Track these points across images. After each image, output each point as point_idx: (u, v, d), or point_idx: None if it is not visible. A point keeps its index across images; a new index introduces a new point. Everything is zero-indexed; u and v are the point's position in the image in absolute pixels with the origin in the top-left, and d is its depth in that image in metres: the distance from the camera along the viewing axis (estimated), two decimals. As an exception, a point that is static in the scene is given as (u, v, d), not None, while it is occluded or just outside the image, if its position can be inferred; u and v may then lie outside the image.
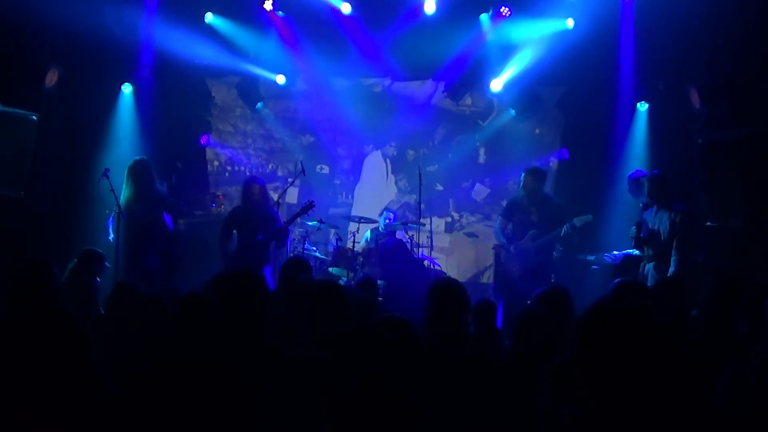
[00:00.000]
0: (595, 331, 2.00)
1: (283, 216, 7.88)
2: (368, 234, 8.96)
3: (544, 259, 7.31)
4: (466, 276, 9.66)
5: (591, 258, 7.82)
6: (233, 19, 9.28)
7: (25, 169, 7.83)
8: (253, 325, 3.35)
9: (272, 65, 9.57)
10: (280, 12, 9.19)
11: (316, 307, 3.47)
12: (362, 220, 8.83)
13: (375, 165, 10.27)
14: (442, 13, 8.96)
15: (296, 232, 8.84)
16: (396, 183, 10.24)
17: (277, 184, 9.87)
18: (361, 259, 8.43)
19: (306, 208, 7.42)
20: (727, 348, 3.37)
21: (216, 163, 10.24)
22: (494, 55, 9.21)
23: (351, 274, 8.20)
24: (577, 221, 7.29)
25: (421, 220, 8.47)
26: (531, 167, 7.68)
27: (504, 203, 8.42)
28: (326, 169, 10.22)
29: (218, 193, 9.90)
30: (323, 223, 8.55)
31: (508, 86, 9.30)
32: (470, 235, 10.12)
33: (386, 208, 9.33)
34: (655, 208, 6.70)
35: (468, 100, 10.03)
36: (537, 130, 9.85)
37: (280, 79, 9.65)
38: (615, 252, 7.55)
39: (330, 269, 8.38)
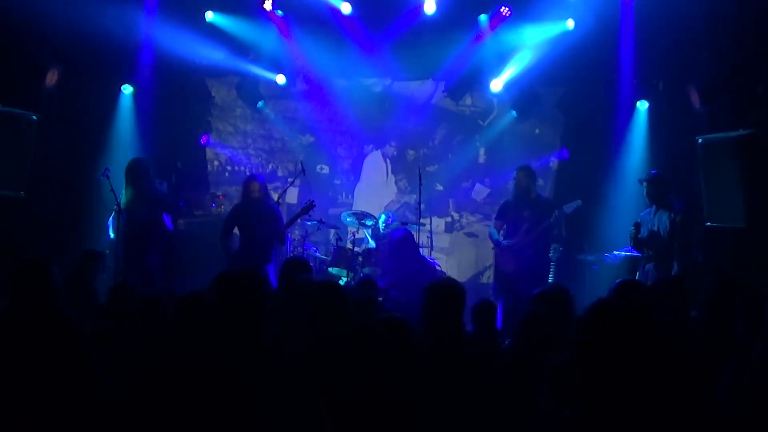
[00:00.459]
0: (595, 331, 2.01)
1: (283, 216, 7.88)
2: (368, 233, 8.95)
3: (536, 251, 7.29)
4: (466, 276, 9.66)
5: (591, 258, 7.82)
6: (233, 20, 9.27)
7: (25, 169, 7.82)
8: (253, 325, 3.35)
9: (272, 65, 9.56)
10: (280, 11, 9.19)
11: (316, 307, 3.48)
12: (360, 219, 8.82)
13: (375, 165, 10.27)
14: (442, 14, 8.96)
15: (296, 232, 8.84)
16: (396, 183, 10.24)
17: (277, 184, 9.86)
18: (361, 259, 8.43)
19: (307, 208, 7.43)
20: (727, 348, 3.37)
21: (216, 163, 10.23)
22: (494, 55, 9.20)
23: (351, 274, 8.20)
24: (567, 207, 7.31)
25: (421, 220, 8.47)
26: (523, 165, 7.69)
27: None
28: (326, 169, 10.21)
29: (218, 193, 9.90)
30: (323, 223, 8.55)
31: (508, 86, 9.29)
32: (470, 235, 10.11)
33: (384, 211, 9.31)
34: (654, 207, 6.70)
35: (468, 100, 10.03)
36: (537, 130, 9.85)
37: (280, 79, 9.64)
38: (615, 252, 7.55)
39: (330, 269, 8.38)
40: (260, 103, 9.87)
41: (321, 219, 8.59)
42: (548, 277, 7.25)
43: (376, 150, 10.23)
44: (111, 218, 7.38)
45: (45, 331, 2.34)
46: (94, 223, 8.03)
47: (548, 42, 8.84)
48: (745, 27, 7.28)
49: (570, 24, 8.76)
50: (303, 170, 8.46)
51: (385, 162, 10.26)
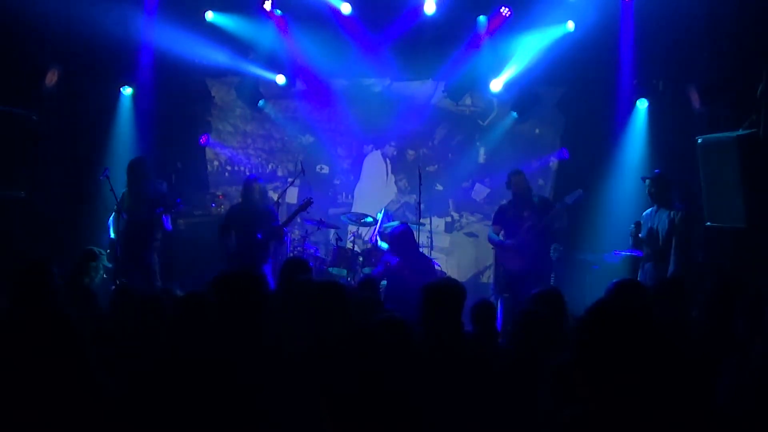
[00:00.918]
0: (595, 331, 2.00)
1: (282, 216, 7.89)
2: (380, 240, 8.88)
3: (540, 249, 7.29)
4: (466, 276, 9.66)
5: (591, 258, 7.82)
6: (233, 20, 9.27)
7: (25, 169, 7.83)
8: (253, 325, 3.35)
9: (272, 65, 9.56)
10: (278, 11, 9.18)
11: (316, 307, 3.48)
12: (359, 219, 8.82)
13: (375, 165, 10.27)
14: (442, 14, 8.96)
15: (296, 232, 8.84)
16: (396, 183, 10.24)
17: (277, 184, 9.87)
18: (362, 259, 8.43)
19: (304, 206, 7.42)
20: (727, 348, 3.37)
21: (216, 163, 10.23)
22: (494, 55, 9.20)
23: (351, 274, 8.20)
24: (568, 198, 7.32)
25: (421, 220, 8.47)
26: (517, 169, 7.67)
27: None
28: (326, 169, 10.21)
29: (218, 193, 9.90)
30: (323, 223, 8.55)
31: (508, 86, 9.29)
32: (470, 235, 10.12)
33: (382, 209, 9.31)
34: (654, 207, 6.71)
35: (468, 100, 10.03)
36: (537, 130, 9.85)
37: (280, 79, 9.64)
38: (615, 252, 7.56)
39: (330, 269, 8.37)
40: (261, 102, 9.86)
41: (321, 219, 8.59)
42: (550, 270, 7.24)
43: (376, 150, 10.23)
44: (111, 218, 7.38)
45: (45, 331, 2.34)
46: (94, 223, 8.03)
47: (548, 43, 8.84)
48: (745, 27, 7.28)
49: (570, 26, 8.76)
50: (303, 170, 8.46)
51: (385, 162, 10.26)
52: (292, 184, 9.01)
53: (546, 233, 7.32)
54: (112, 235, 7.42)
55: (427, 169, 9.74)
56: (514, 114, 9.57)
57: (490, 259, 9.11)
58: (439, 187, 10.07)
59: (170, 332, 3.39)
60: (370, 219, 8.84)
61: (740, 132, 6.99)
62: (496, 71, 9.26)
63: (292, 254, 8.16)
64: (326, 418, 2.03)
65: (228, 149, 10.17)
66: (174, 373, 2.90)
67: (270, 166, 10.22)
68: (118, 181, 7.14)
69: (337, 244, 8.75)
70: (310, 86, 9.85)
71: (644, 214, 6.83)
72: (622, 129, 8.82)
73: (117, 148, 8.89)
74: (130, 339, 3.77)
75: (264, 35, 9.35)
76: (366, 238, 9.23)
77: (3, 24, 7.61)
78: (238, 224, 7.43)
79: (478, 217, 10.11)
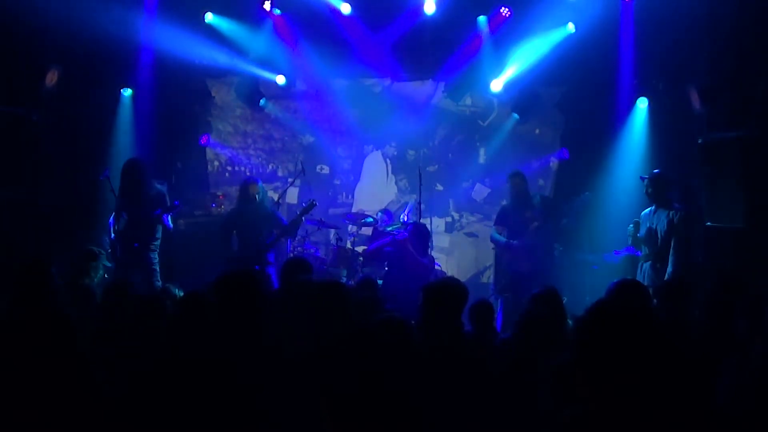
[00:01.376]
0: (595, 331, 2.00)
1: (283, 215, 7.88)
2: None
3: (546, 250, 7.30)
4: (466, 276, 9.66)
5: (591, 258, 7.82)
6: (233, 20, 9.27)
7: (25, 169, 7.82)
8: (253, 325, 3.34)
9: (272, 65, 9.57)
10: (278, 10, 9.18)
11: (316, 307, 3.47)
12: (360, 220, 8.82)
13: (375, 165, 10.27)
14: (442, 14, 8.96)
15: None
16: (396, 183, 10.24)
17: (278, 184, 9.87)
18: (362, 259, 8.43)
19: (308, 208, 7.42)
20: (727, 348, 3.37)
21: (216, 163, 10.23)
22: (494, 55, 9.21)
23: (351, 274, 8.20)
24: (576, 200, 7.32)
25: (421, 220, 8.46)
26: (516, 171, 7.64)
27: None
28: (326, 169, 10.21)
29: (218, 193, 9.89)
30: (323, 223, 8.55)
31: (508, 86, 9.29)
32: (470, 235, 10.12)
33: (383, 210, 9.32)
34: (654, 207, 6.70)
35: (468, 100, 10.03)
36: (537, 130, 9.85)
37: (280, 80, 9.64)
38: (615, 252, 7.55)
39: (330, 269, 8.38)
40: (263, 101, 9.85)
41: (321, 219, 8.59)
42: (563, 276, 7.23)
43: (376, 150, 10.23)
44: (111, 218, 7.37)
45: (45, 331, 2.34)
46: (94, 223, 8.02)
47: (549, 45, 8.84)
48: (745, 27, 7.28)
49: (571, 27, 8.76)
50: (303, 170, 8.46)
51: (385, 162, 10.26)
52: (292, 184, 9.01)
53: (552, 234, 7.32)
54: (113, 236, 7.41)
55: (427, 169, 9.74)
56: (516, 115, 9.56)
57: (490, 260, 9.10)
58: (440, 187, 10.07)
59: (170, 332, 3.39)
60: (370, 219, 8.84)
61: (740, 132, 7.00)
62: (496, 71, 9.26)
63: (292, 254, 8.16)
64: (326, 418, 2.03)
65: (228, 149, 10.17)
66: (174, 373, 2.90)
67: (270, 167, 10.22)
68: (119, 182, 7.13)
69: (337, 244, 8.75)
70: (310, 86, 9.85)
71: (643, 213, 6.82)
72: (622, 129, 8.82)
73: (117, 148, 8.88)
74: (130, 339, 3.77)
75: (264, 35, 9.35)
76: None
77: (3, 24, 7.61)
78: (239, 229, 7.42)
79: (478, 217, 10.11)
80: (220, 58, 9.31)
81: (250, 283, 3.49)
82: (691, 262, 6.69)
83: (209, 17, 9.18)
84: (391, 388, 2.07)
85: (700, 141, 7.33)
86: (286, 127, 10.12)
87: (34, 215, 8.05)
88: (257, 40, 9.37)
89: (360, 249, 8.78)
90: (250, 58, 9.47)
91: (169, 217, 7.12)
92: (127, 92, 9.22)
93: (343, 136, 10.16)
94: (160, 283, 6.90)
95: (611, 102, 8.78)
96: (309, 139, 10.15)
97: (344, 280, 8.01)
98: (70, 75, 8.60)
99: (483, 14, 9.09)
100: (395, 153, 10.19)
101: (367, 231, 9.05)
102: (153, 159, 7.85)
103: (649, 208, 6.77)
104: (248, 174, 9.82)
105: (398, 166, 10.21)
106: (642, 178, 6.88)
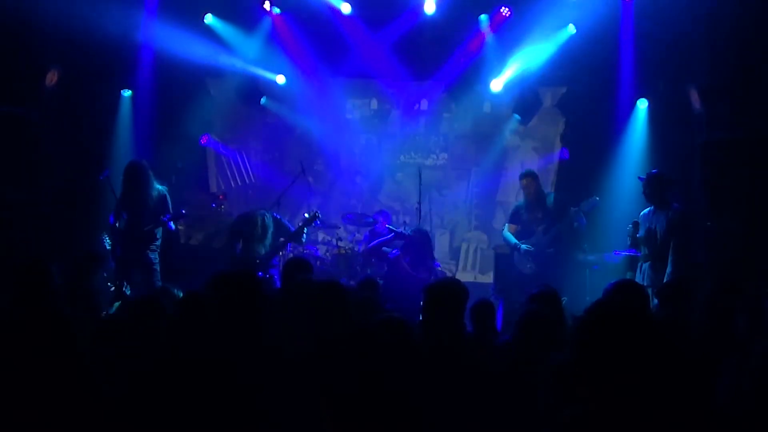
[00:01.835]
0: (595, 331, 2.00)
1: (284, 219, 7.88)
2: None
3: (557, 249, 7.30)
4: (466, 276, 9.67)
5: (591, 258, 7.81)
6: (233, 20, 9.27)
7: (25, 169, 7.82)
8: (253, 325, 3.34)
9: (272, 65, 9.57)
10: (277, 9, 9.17)
11: (316, 307, 3.47)
12: (359, 219, 8.83)
13: (375, 165, 10.26)
14: (442, 13, 8.96)
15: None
16: (396, 183, 10.24)
17: (278, 184, 9.87)
18: (361, 259, 8.44)
19: (310, 220, 7.44)
20: (727, 348, 3.37)
21: (216, 163, 10.23)
22: (494, 55, 9.21)
23: (351, 274, 8.20)
24: (585, 205, 7.30)
25: (421, 221, 8.47)
26: (527, 171, 7.64)
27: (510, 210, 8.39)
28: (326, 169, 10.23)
29: (218, 194, 9.90)
30: (323, 223, 8.55)
31: (508, 86, 9.29)
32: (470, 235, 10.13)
33: (381, 209, 9.32)
34: (653, 207, 6.70)
35: (469, 101, 10.03)
36: (537, 130, 9.85)
37: (280, 79, 9.64)
38: (615, 252, 7.55)
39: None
40: (263, 100, 9.83)
41: (321, 219, 8.59)
42: (571, 277, 7.20)
43: (377, 150, 10.23)
44: (111, 217, 7.36)
45: (44, 332, 2.34)
46: (94, 223, 8.02)
47: (550, 48, 8.85)
48: (745, 27, 7.28)
49: (572, 29, 8.76)
50: (303, 170, 8.46)
51: (386, 162, 10.26)
52: (292, 184, 9.00)
53: (560, 237, 7.30)
54: (112, 235, 7.40)
55: (427, 169, 9.74)
56: (517, 116, 9.55)
57: (490, 260, 9.12)
58: (440, 189, 10.07)
59: (170, 332, 3.39)
60: (370, 219, 8.84)
61: (740, 133, 7.00)
62: (496, 71, 9.25)
63: (292, 254, 8.16)
64: (326, 418, 2.03)
65: (228, 149, 10.16)
66: (174, 373, 2.90)
67: (270, 166, 10.21)
68: (119, 182, 7.12)
69: (337, 244, 8.75)
70: (311, 86, 9.85)
71: (642, 214, 6.81)
72: (622, 129, 8.82)
73: (117, 148, 8.89)
74: (130, 339, 3.77)
75: (264, 35, 9.35)
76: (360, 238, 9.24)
77: (3, 24, 7.61)
78: (244, 235, 7.41)
79: (477, 217, 10.12)
80: (219, 57, 9.31)
81: (249, 283, 3.49)
82: (691, 262, 6.68)
83: (209, 19, 9.18)
84: (391, 388, 2.07)
85: (700, 141, 7.33)
86: (286, 127, 10.12)
87: (34, 215, 8.05)
88: (257, 40, 9.37)
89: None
90: (250, 58, 9.47)
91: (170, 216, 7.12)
92: (127, 93, 9.22)
93: (342, 135, 10.16)
94: (160, 283, 6.89)
95: (611, 102, 8.78)
96: (309, 138, 10.13)
97: (344, 280, 8.01)
98: (70, 75, 8.60)
99: (483, 14, 9.08)
100: (395, 153, 10.19)
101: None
102: (153, 159, 7.84)
103: (648, 209, 6.76)
104: (248, 174, 9.82)
105: (398, 166, 10.20)
106: (640, 179, 6.88)
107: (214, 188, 10.11)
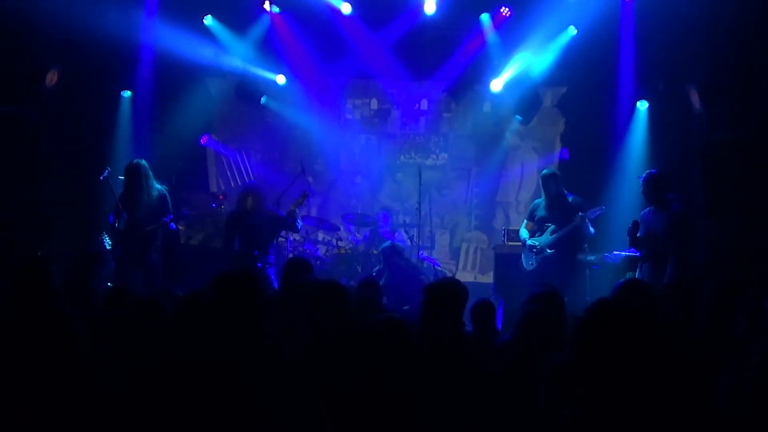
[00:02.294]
0: (595, 331, 2.01)
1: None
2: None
3: (558, 251, 7.29)
4: (466, 276, 9.68)
5: (591, 258, 7.81)
6: (233, 20, 9.27)
7: (25, 169, 7.82)
8: (253, 325, 3.34)
9: (272, 65, 9.57)
10: (276, 8, 9.17)
11: (316, 307, 3.47)
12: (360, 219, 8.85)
13: (375, 165, 10.27)
14: (442, 13, 8.96)
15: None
16: (396, 183, 10.24)
17: (278, 184, 9.87)
18: (361, 259, 8.45)
19: (301, 199, 7.34)
20: (727, 348, 3.37)
21: (216, 163, 10.23)
22: (494, 55, 9.21)
23: (350, 274, 8.22)
24: (590, 213, 7.30)
25: (421, 221, 8.48)
26: (550, 172, 7.54)
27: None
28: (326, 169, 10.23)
29: (218, 194, 9.90)
30: (323, 222, 8.55)
31: (508, 86, 9.29)
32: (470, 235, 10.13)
33: (381, 208, 9.33)
34: (653, 207, 6.69)
35: (469, 101, 10.03)
36: (537, 130, 9.86)
37: (280, 79, 9.64)
38: (615, 252, 7.55)
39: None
40: (263, 99, 9.83)
41: (321, 219, 8.60)
42: (561, 273, 7.17)
43: (377, 149, 10.23)
44: (111, 217, 7.35)
45: (45, 331, 2.34)
46: (95, 223, 8.02)
47: (549, 46, 8.85)
48: (745, 27, 7.28)
49: (572, 30, 8.76)
50: (303, 170, 8.46)
51: (386, 162, 10.26)
52: (292, 184, 9.00)
53: (563, 241, 7.29)
54: (112, 235, 7.40)
55: (427, 169, 9.74)
56: (518, 117, 9.55)
57: (490, 260, 9.11)
58: (440, 189, 10.07)
59: (170, 332, 3.39)
60: (370, 219, 8.85)
61: (740, 133, 7.00)
62: (496, 71, 9.26)
63: (292, 254, 8.16)
64: (326, 418, 2.03)
65: (228, 149, 10.16)
66: (174, 373, 2.90)
67: (270, 166, 10.22)
68: (119, 182, 7.13)
69: (337, 244, 8.75)
70: (311, 86, 9.85)
71: (642, 214, 6.81)
72: (622, 129, 8.81)
73: (117, 148, 8.89)
74: (130, 339, 3.77)
75: (264, 35, 9.35)
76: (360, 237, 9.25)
77: (3, 24, 7.61)
78: (241, 230, 7.40)
79: (477, 217, 10.12)
80: (219, 57, 9.31)
81: (250, 283, 3.49)
82: (691, 262, 6.68)
83: (208, 20, 9.18)
84: (391, 388, 2.07)
85: (700, 141, 7.33)
86: (285, 127, 10.12)
87: (34, 215, 8.04)
88: (257, 40, 9.37)
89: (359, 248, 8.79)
90: (250, 58, 9.47)
91: (171, 216, 7.12)
92: (127, 94, 9.23)
93: (343, 135, 10.16)
94: (160, 283, 6.89)
95: (611, 102, 8.78)
96: (309, 138, 10.14)
97: (344, 280, 8.02)
98: (70, 75, 8.60)
99: (483, 14, 9.08)
100: (396, 153, 10.19)
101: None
102: (153, 159, 7.84)
103: (648, 209, 6.76)
104: (248, 174, 9.82)
105: (398, 166, 10.20)
106: (640, 179, 6.89)
107: (214, 188, 10.11)
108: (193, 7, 9.09)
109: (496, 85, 9.29)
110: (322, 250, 9.15)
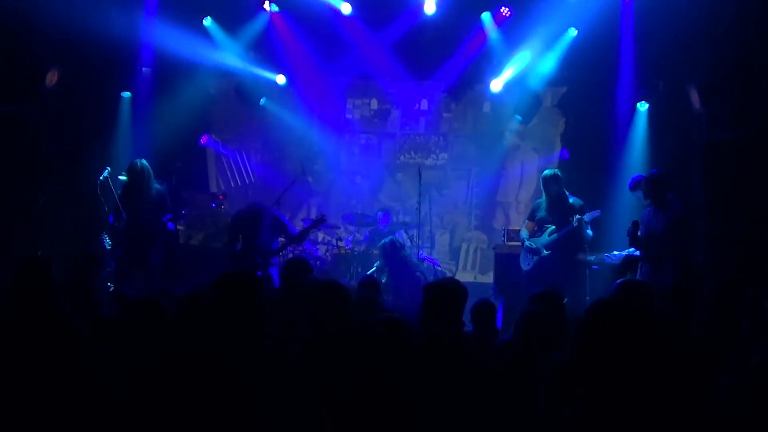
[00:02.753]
0: (595, 331, 2.00)
1: (285, 217, 7.88)
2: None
3: (555, 252, 7.29)
4: (466, 276, 9.67)
5: (591, 258, 7.81)
6: (233, 20, 9.27)
7: (25, 169, 7.82)
8: (253, 325, 3.34)
9: (272, 65, 9.57)
10: (276, 6, 9.17)
11: (316, 307, 3.47)
12: (359, 219, 8.85)
13: (375, 165, 10.27)
14: (442, 13, 8.96)
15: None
16: (396, 183, 10.24)
17: (278, 184, 9.87)
18: (361, 259, 8.45)
19: (317, 222, 7.45)
20: (727, 348, 3.37)
21: (216, 163, 10.23)
22: (494, 55, 9.21)
23: (350, 275, 8.21)
24: (587, 216, 7.30)
25: (421, 221, 8.48)
26: (552, 173, 7.54)
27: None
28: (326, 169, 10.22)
29: (218, 194, 9.90)
30: (323, 222, 8.54)
31: (508, 86, 9.29)
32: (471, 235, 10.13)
33: (381, 209, 9.32)
34: (653, 207, 6.69)
35: (469, 101, 10.04)
36: (537, 130, 9.86)
37: (280, 79, 9.64)
38: (615, 252, 7.55)
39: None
40: (263, 100, 9.84)
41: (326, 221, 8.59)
42: (558, 273, 7.17)
43: (377, 149, 10.23)
44: (111, 217, 7.36)
45: (44, 331, 2.34)
46: (94, 223, 8.01)
47: (549, 47, 8.85)
48: (745, 27, 7.28)
49: (572, 32, 8.76)
50: (303, 170, 8.47)
51: (386, 162, 10.26)
52: (292, 184, 9.00)
53: (565, 241, 7.28)
54: (112, 235, 7.39)
55: (427, 169, 9.74)
56: (518, 117, 9.55)
57: (490, 260, 9.11)
58: (440, 189, 10.07)
59: (170, 332, 3.38)
60: (370, 219, 8.85)
61: (740, 133, 7.00)
62: (496, 71, 9.26)
63: (292, 254, 8.16)
64: (326, 418, 2.03)
65: (228, 149, 10.16)
66: (174, 373, 2.90)
67: (270, 166, 10.22)
68: (119, 182, 7.13)
69: (337, 244, 8.75)
70: (311, 86, 9.85)
71: (643, 214, 6.81)
72: (622, 129, 8.82)
73: (117, 148, 8.89)
74: (130, 339, 3.77)
75: (264, 35, 9.35)
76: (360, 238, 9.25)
77: (3, 24, 7.61)
78: (244, 231, 7.41)
79: (477, 217, 10.12)
80: (220, 58, 9.31)
81: (250, 283, 3.49)
82: (691, 262, 6.68)
83: (207, 22, 9.18)
84: (391, 388, 2.07)
85: (700, 141, 7.33)
86: (286, 127, 10.12)
87: (33, 215, 8.04)
88: (257, 40, 9.37)
89: (359, 248, 8.79)
90: (249, 58, 9.47)
91: (170, 216, 7.12)
92: (127, 95, 9.23)
93: (342, 135, 10.16)
94: (160, 283, 6.89)
95: (611, 102, 8.79)
96: (309, 138, 10.15)
97: (344, 280, 8.02)
98: (70, 75, 8.60)
99: (484, 14, 9.08)
100: (396, 153, 10.19)
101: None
102: (153, 159, 7.84)
103: (648, 209, 6.76)
104: (248, 174, 9.82)
105: (398, 166, 10.21)
106: (628, 186, 6.91)
107: (214, 188, 10.11)
108: (193, 7, 9.09)
109: (496, 85, 9.30)
110: (322, 250, 9.14)
